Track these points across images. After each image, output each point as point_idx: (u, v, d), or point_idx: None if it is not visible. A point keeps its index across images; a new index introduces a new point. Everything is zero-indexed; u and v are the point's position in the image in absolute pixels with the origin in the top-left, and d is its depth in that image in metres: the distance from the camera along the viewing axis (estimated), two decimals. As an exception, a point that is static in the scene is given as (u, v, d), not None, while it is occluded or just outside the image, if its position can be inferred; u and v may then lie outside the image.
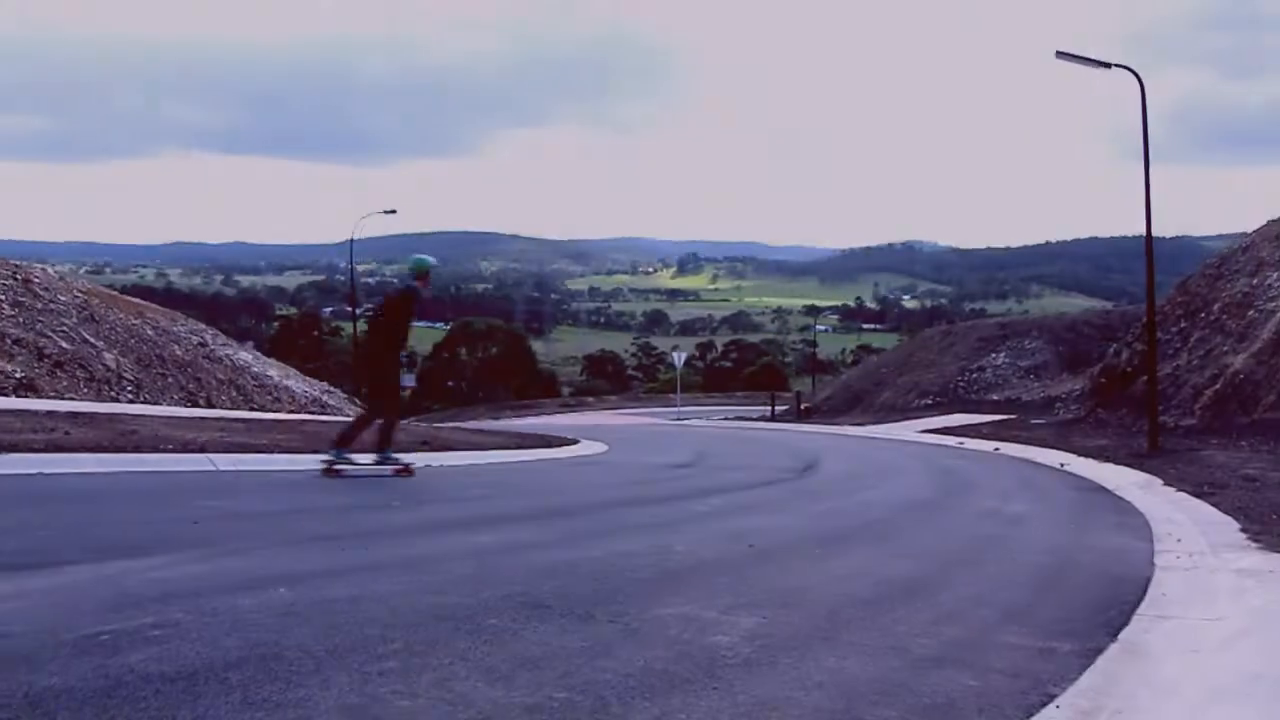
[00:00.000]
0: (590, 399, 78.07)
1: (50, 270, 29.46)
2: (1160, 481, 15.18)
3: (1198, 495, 13.32)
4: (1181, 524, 11.11)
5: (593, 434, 27.71)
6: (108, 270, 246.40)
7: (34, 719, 3.57)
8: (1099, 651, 5.58)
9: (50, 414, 14.17)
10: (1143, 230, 20.33)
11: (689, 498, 12.74)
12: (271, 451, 13.44)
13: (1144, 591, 7.34)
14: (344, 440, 12.09)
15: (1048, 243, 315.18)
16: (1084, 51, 19.59)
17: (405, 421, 16.48)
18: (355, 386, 10.54)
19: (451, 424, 39.28)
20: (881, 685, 4.75)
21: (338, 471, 11.82)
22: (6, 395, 17.40)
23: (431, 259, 13.26)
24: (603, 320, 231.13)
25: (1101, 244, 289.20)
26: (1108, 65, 19.26)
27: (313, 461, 13.34)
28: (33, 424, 12.57)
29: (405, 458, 12.88)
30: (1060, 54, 19.21)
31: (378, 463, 12.32)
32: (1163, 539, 10.18)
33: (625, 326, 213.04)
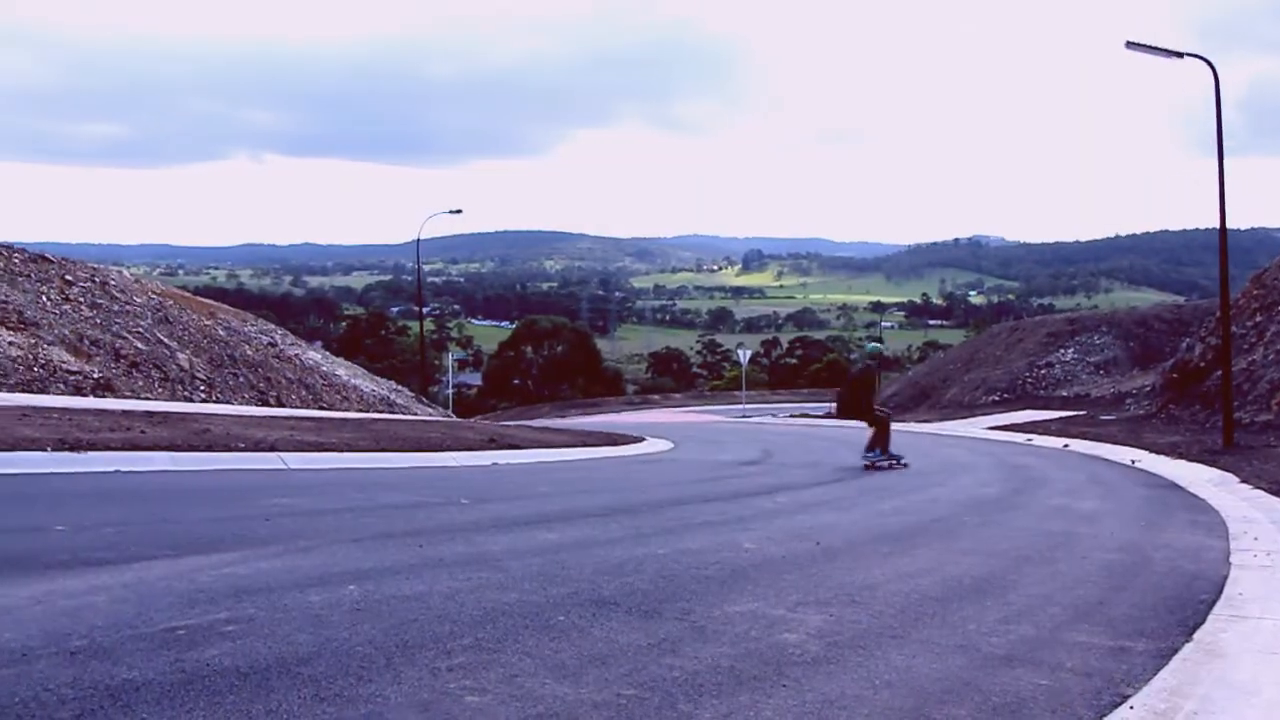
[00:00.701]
0: (655, 397, 78.15)
1: (126, 272, 30.08)
2: (1236, 479, 14.86)
3: (1275, 493, 13.04)
4: (1258, 522, 10.88)
5: (658, 432, 27.73)
6: (181, 272, 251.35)
7: (114, 711, 3.65)
8: (1174, 651, 5.49)
9: (127, 413, 14.45)
10: (1215, 223, 19.92)
11: (755, 495, 12.71)
12: (340, 450, 13.60)
13: (1220, 590, 7.20)
14: (871, 446, 17.58)
15: (1117, 236, 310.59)
16: (1153, 41, 19.22)
17: (472, 420, 16.80)
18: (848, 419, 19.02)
19: (517, 422, 39.53)
20: (951, 684, 4.71)
21: (877, 467, 17.14)
22: (85, 395, 17.78)
23: (880, 345, 23.05)
24: (667, 318, 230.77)
25: (1172, 237, 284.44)
26: (1179, 55, 18.82)
27: (382, 459, 13.53)
28: (110, 423, 12.83)
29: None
30: (1130, 44, 18.80)
31: (887, 458, 17.45)
32: (1239, 537, 9.97)
33: (690, 324, 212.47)
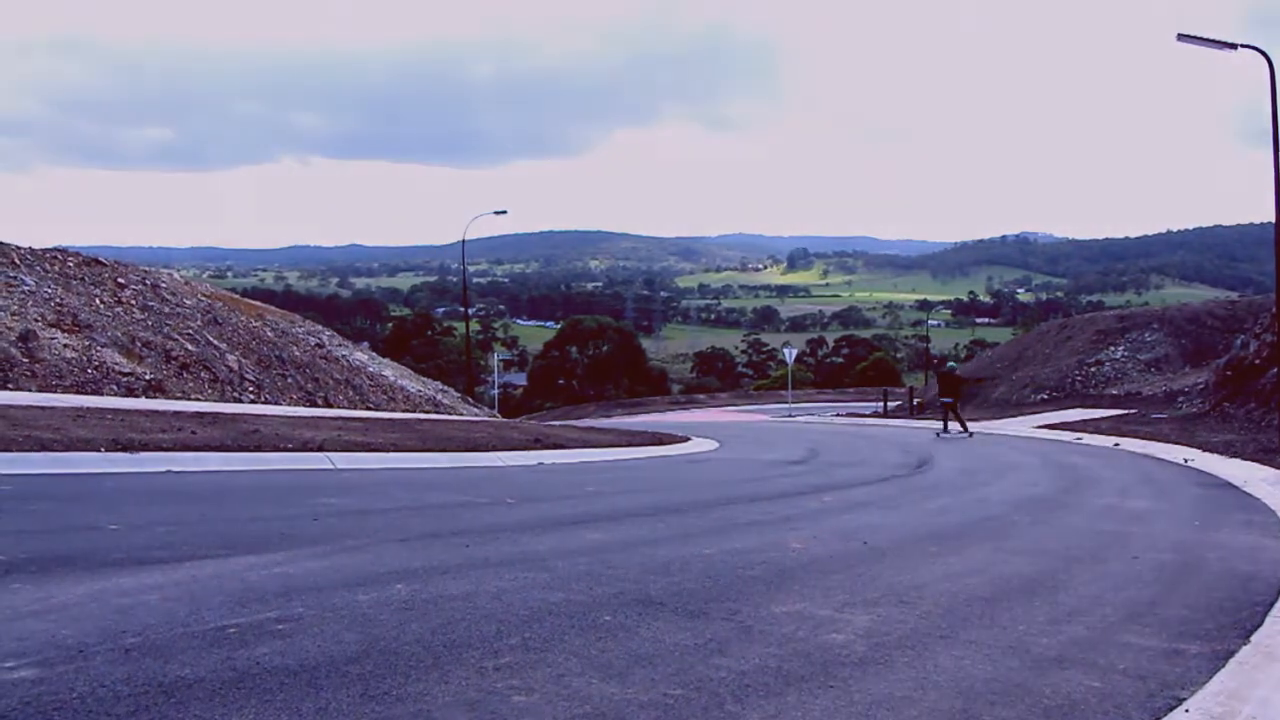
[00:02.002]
0: (701, 396, 77.92)
1: (176, 275, 30.42)
2: (1292, 477, 14.63)
3: (1333, 492, 12.83)
4: (1316, 521, 10.70)
5: (704, 431, 27.67)
6: (229, 274, 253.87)
7: (167, 707, 3.70)
8: (1230, 654, 5.41)
9: (178, 414, 14.62)
10: (1271, 217, 19.59)
11: (802, 495, 12.66)
12: (387, 450, 13.68)
13: (1277, 592, 7.08)
14: (947, 426, 27.35)
15: (1168, 231, 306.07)
16: (1204, 31, 18.90)
17: (517, 420, 16.89)
18: (941, 414, 28.69)
19: (563, 422, 39.60)
20: (1000, 685, 4.67)
21: (950, 434, 26.61)
22: (137, 396, 18.00)
23: (955, 364, 38.78)
24: (712, 317, 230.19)
25: (1226, 231, 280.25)
26: (1233, 46, 18.51)
27: (429, 460, 13.61)
28: (162, 424, 12.99)
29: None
30: (1181, 36, 18.51)
31: (965, 432, 26.46)
32: (1296, 537, 9.83)
33: (735, 323, 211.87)
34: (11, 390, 15.88)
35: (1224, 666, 5.16)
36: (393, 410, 26.40)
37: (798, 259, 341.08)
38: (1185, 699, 4.61)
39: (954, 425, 27.33)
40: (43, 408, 13.39)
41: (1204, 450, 19.27)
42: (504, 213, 44.33)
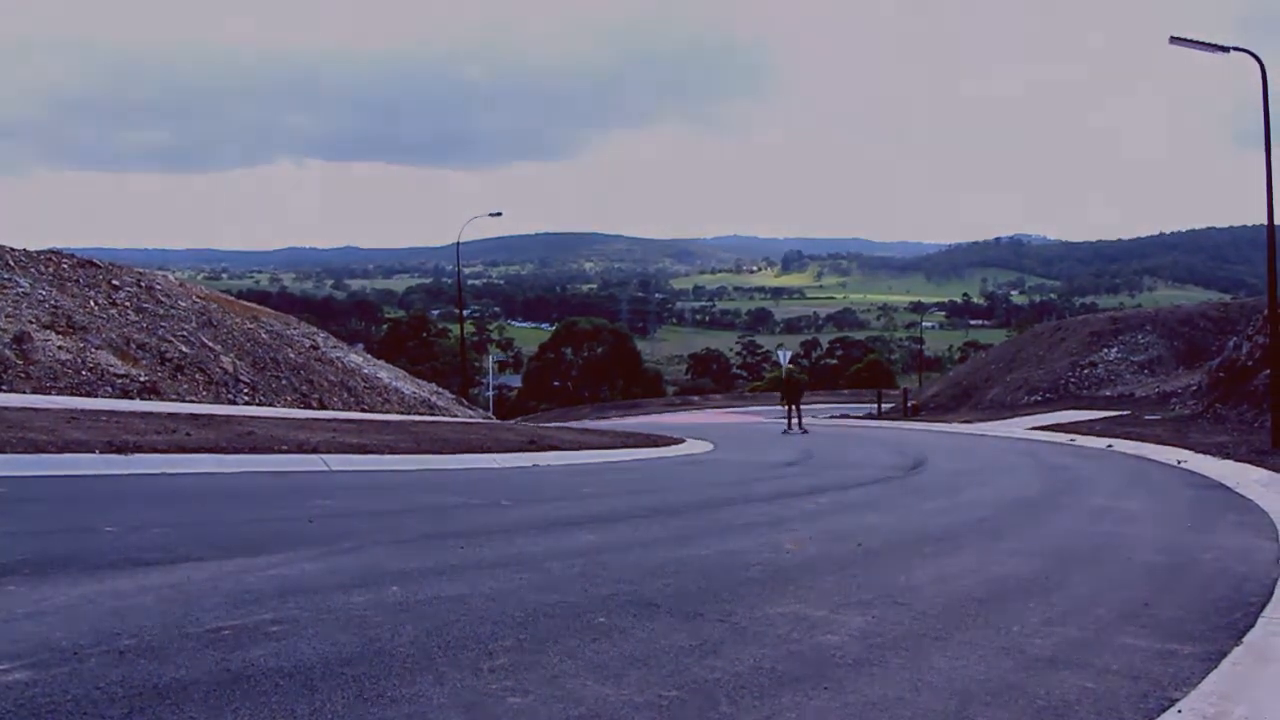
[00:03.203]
0: (695, 398, 77.88)
1: (171, 277, 30.42)
2: (1285, 479, 14.64)
3: (1325, 493, 12.84)
4: (1308, 523, 10.72)
5: (699, 433, 27.69)
6: (225, 276, 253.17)
7: (162, 709, 3.70)
8: (1222, 654, 5.42)
9: (172, 416, 14.60)
10: (1263, 218, 19.65)
11: (796, 496, 12.67)
12: (382, 452, 13.67)
13: (1270, 593, 7.09)
14: (790, 426, 30.62)
15: (1161, 234, 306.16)
16: (1196, 33, 18.92)
17: (512, 422, 16.91)
18: (784, 409, 31.90)
19: (557, 424, 39.58)
20: (995, 686, 4.68)
21: (792, 431, 30.07)
22: (132, 398, 17.97)
23: (794, 367, 40.80)
24: (707, 319, 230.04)
25: (1219, 234, 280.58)
26: (1225, 49, 18.56)
27: (424, 461, 13.60)
28: (156, 426, 12.97)
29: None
30: (1174, 39, 18.55)
31: (802, 429, 30.00)
32: (1288, 538, 9.84)
33: (729, 325, 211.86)
34: (5, 392, 15.85)
35: (1217, 667, 5.17)
36: (387, 412, 26.37)
37: (792, 261, 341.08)
38: (1178, 699, 4.62)
39: (797, 422, 31.44)
40: (37, 409, 13.37)
41: (1197, 451, 19.29)
42: (499, 214, 44.26)
